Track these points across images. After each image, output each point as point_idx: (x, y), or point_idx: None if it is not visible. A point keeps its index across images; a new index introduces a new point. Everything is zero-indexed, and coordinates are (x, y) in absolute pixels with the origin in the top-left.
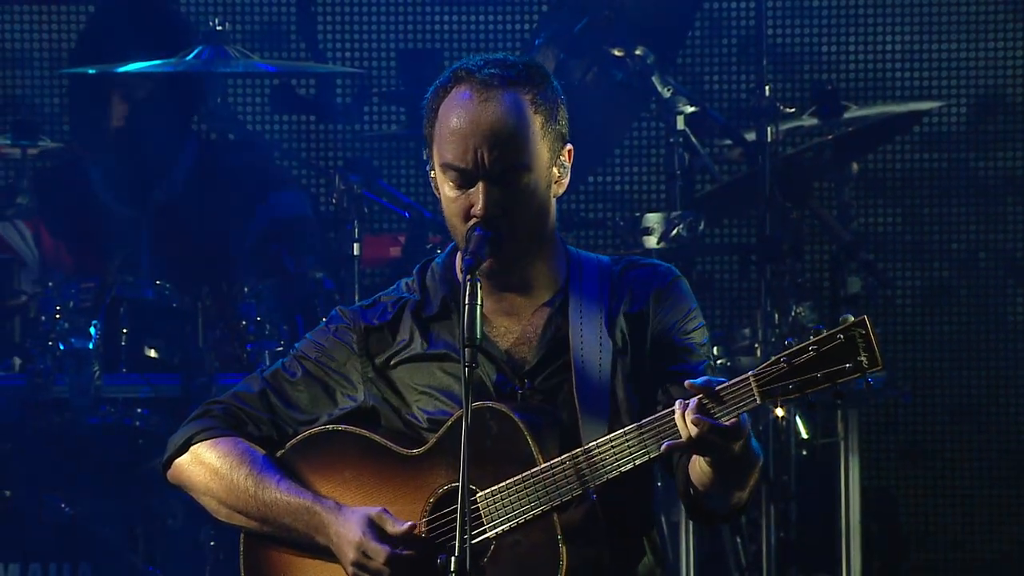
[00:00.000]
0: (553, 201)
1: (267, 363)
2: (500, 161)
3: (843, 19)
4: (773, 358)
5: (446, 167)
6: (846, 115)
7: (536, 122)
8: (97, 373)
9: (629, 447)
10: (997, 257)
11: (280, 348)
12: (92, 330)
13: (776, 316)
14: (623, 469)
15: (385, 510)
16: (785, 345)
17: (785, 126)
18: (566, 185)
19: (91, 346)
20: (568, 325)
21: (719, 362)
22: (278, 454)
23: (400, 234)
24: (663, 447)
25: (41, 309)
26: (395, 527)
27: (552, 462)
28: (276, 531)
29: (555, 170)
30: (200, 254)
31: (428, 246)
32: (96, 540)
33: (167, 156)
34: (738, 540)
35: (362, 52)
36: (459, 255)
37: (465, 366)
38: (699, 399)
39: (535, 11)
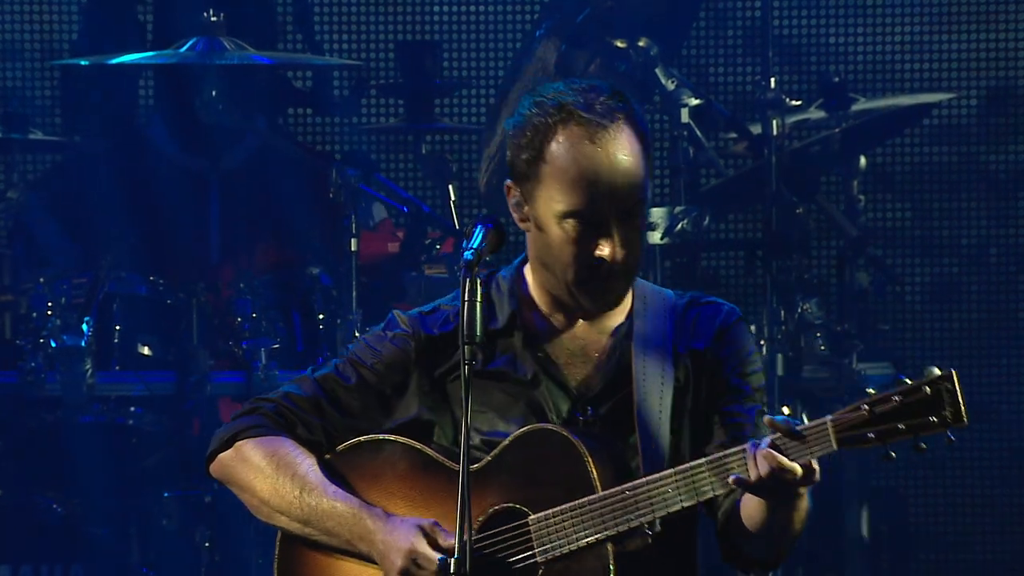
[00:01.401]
0: None
1: (263, 360)
2: (628, 201)
3: (851, 9)
4: (854, 404)
5: (568, 215)
6: (854, 108)
7: (645, 156)
8: (89, 371)
9: (695, 482)
10: (1008, 252)
11: (276, 345)
12: (84, 327)
13: (782, 313)
14: (686, 504)
15: (436, 523)
16: (867, 393)
17: (791, 119)
18: None
19: (83, 343)
20: (632, 356)
21: None
22: (326, 457)
23: (399, 229)
24: (731, 479)
25: (32, 306)
26: (447, 540)
27: (613, 491)
28: (317, 535)
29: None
30: (267, 220)
31: (427, 241)
32: (89, 541)
33: (237, 128)
34: None
35: (359, 44)
36: (530, 276)
37: (464, 363)
38: (773, 439)
39: (536, 0)
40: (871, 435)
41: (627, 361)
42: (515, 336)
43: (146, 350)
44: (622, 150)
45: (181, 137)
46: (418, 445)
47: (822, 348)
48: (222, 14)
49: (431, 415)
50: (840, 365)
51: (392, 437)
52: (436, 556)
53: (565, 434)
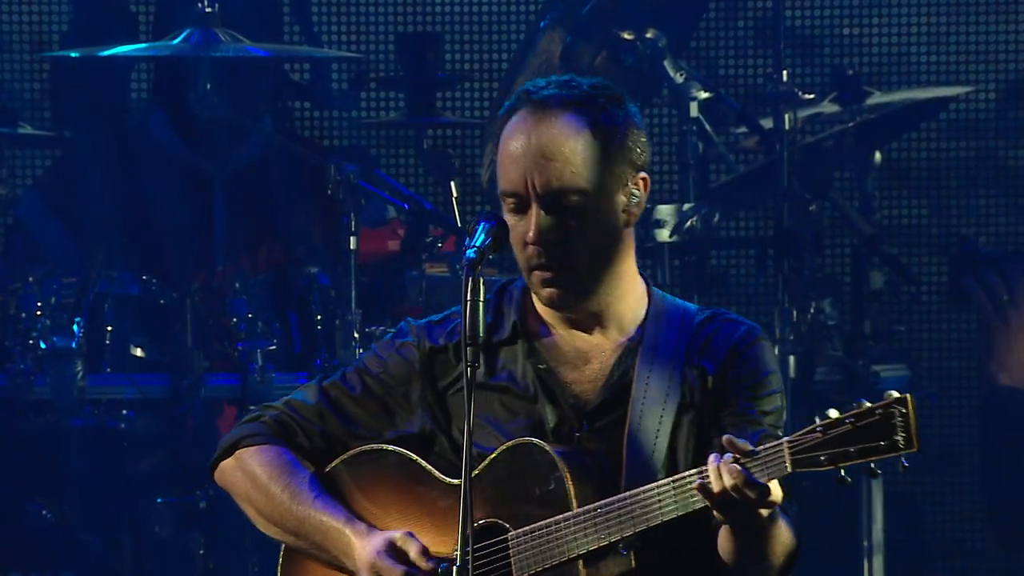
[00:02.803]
0: (626, 232)
1: (259, 362)
2: (550, 184)
3: (865, 0)
4: (811, 426)
5: (503, 194)
6: (868, 101)
7: (594, 144)
8: (80, 373)
9: (660, 501)
10: None
11: (273, 347)
12: (75, 328)
13: (795, 313)
14: (652, 524)
15: (410, 533)
16: (824, 414)
17: (804, 113)
18: (638, 216)
19: (74, 345)
20: (635, 370)
21: None
22: (326, 469)
23: (399, 227)
24: (694, 485)
25: (22, 306)
26: (417, 553)
27: (583, 509)
28: (309, 548)
29: (622, 197)
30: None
31: (428, 239)
32: (79, 548)
33: (235, 123)
34: None
35: (359, 35)
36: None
37: (468, 365)
38: (733, 456)
39: None
40: (823, 458)
41: (630, 376)
42: (518, 347)
43: (138, 351)
44: (549, 133)
45: (186, 134)
46: (414, 456)
47: (835, 350)
48: (217, 5)
49: (434, 428)
50: (854, 367)
51: (391, 448)
52: (399, 569)
53: (547, 449)
